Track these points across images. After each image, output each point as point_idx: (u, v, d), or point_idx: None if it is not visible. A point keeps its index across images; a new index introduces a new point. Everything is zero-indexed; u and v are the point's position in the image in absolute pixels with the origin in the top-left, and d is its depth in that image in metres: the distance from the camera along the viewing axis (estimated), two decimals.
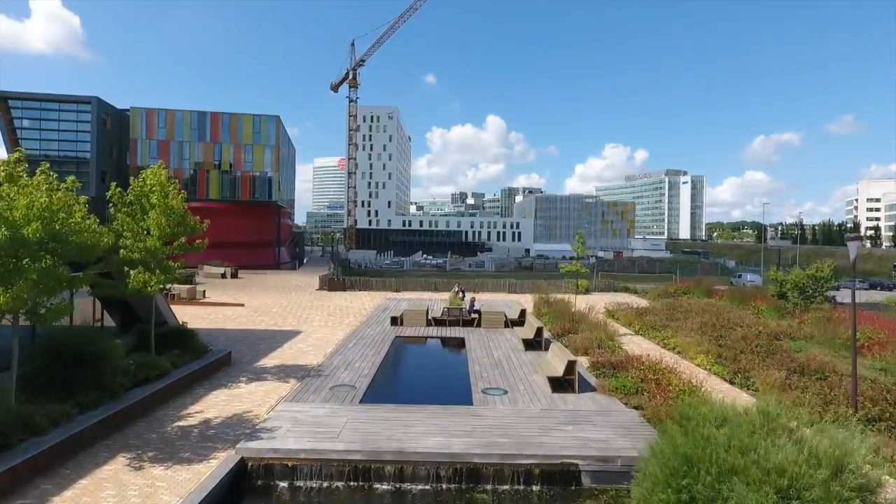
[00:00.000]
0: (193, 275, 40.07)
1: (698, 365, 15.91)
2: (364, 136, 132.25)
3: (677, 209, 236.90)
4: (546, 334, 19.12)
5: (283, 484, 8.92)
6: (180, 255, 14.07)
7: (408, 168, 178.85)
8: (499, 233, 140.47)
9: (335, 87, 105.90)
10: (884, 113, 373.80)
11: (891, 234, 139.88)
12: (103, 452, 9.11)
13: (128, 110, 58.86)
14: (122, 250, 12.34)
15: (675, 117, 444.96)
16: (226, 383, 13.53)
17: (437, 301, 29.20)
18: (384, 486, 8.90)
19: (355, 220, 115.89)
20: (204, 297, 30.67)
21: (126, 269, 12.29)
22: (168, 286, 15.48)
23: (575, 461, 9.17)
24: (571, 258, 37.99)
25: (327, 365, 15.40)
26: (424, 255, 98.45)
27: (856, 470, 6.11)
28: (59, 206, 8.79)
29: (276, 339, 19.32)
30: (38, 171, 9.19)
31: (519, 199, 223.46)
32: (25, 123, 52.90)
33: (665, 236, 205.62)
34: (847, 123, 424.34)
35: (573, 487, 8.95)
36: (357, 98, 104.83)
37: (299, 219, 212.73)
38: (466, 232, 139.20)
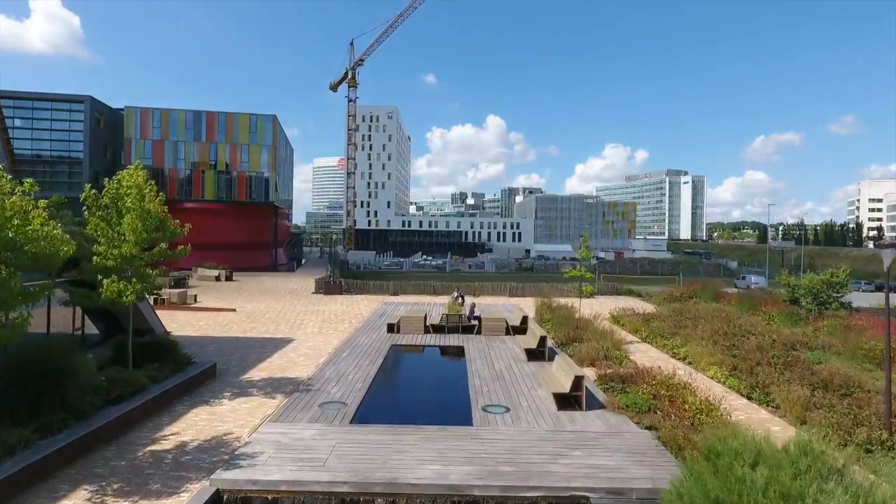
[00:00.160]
0: (186, 277, 39.16)
1: (711, 377, 15.02)
2: (363, 136, 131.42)
3: (678, 209, 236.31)
4: (549, 343, 18.24)
5: None
6: (162, 262, 13.19)
7: (407, 168, 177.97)
8: (499, 233, 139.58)
9: (334, 87, 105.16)
10: (884, 113, 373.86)
11: (894, 234, 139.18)
12: (64, 484, 8.22)
13: (122, 110, 57.95)
14: (95, 257, 11.46)
15: (675, 117, 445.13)
16: (208, 399, 12.65)
17: (436, 306, 28.33)
18: None
19: (354, 221, 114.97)
20: (195, 301, 29.77)
21: (99, 277, 11.41)
22: (150, 294, 14.60)
23: (585, 493, 8.27)
24: (573, 259, 37.09)
25: (318, 378, 14.51)
26: (424, 256, 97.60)
27: None
28: (12, 212, 7.92)
29: (267, 348, 18.43)
30: None
31: (519, 199, 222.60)
32: (17, 123, 51.98)
33: (666, 237, 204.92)
34: (847, 123, 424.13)
35: None
36: (356, 98, 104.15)
37: (298, 219, 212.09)
38: (466, 232, 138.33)
